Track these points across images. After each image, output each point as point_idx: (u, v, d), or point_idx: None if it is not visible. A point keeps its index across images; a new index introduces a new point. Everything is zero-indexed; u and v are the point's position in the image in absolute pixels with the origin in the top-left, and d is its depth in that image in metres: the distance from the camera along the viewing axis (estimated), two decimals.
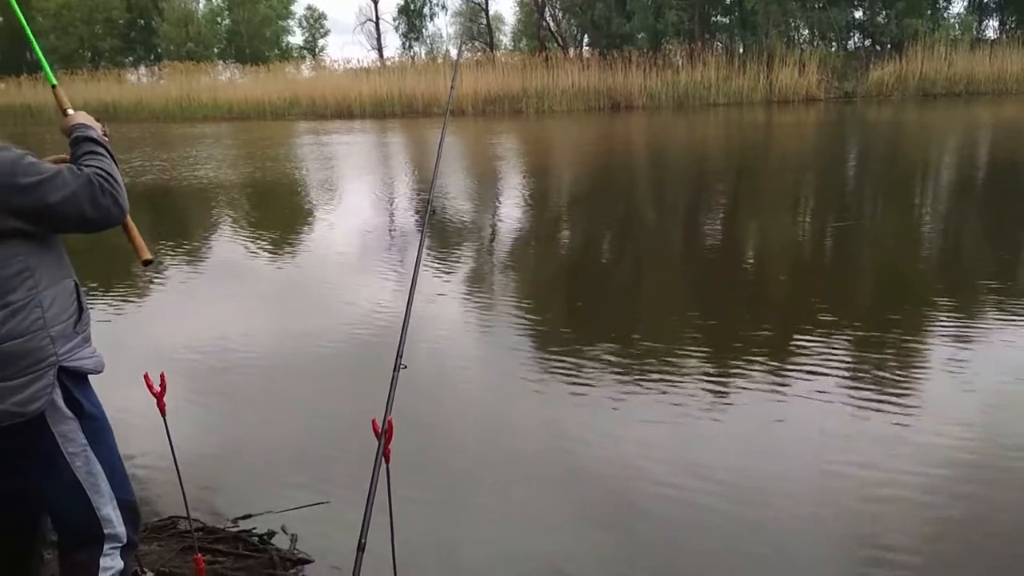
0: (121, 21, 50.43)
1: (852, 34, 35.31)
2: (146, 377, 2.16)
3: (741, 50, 33.93)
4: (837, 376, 4.89)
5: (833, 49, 33.62)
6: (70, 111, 2.35)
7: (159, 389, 2.12)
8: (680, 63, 31.98)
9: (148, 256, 2.39)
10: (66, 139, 2.29)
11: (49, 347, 2.08)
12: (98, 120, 2.33)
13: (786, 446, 4.09)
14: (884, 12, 33.72)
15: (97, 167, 2.13)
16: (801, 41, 34.44)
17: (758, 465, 3.87)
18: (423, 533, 3.34)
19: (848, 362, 5.12)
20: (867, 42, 35.06)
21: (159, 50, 50.34)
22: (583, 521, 3.52)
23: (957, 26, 33.78)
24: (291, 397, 5.05)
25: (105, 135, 2.31)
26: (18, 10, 2.51)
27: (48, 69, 2.46)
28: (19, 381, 2.04)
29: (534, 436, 4.36)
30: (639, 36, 35.58)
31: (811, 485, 3.69)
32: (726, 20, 37.87)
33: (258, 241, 9.96)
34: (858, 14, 34.89)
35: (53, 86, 2.45)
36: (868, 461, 3.84)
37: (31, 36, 2.59)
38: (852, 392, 4.66)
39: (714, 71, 30.99)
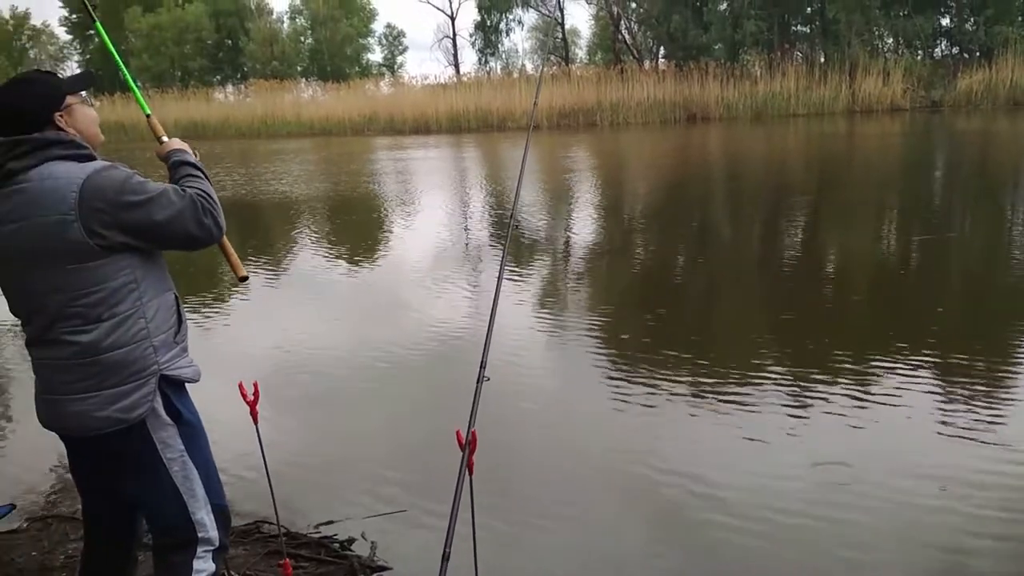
0: (210, 41, 52.32)
1: (939, 42, 34.29)
2: (240, 386, 2.24)
3: (822, 59, 33.25)
4: (921, 400, 4.73)
5: (919, 57, 32.69)
6: (165, 138, 2.47)
7: (252, 398, 2.19)
8: (758, 73, 31.52)
9: (244, 273, 2.49)
10: (163, 164, 2.40)
11: (152, 356, 2.17)
12: (191, 145, 2.44)
13: (862, 475, 3.96)
14: (972, 19, 32.59)
15: (199, 188, 2.24)
16: (885, 50, 33.59)
17: (833, 496, 3.76)
18: (503, 547, 3.36)
19: (933, 385, 4.95)
20: (954, 50, 33.95)
21: (245, 69, 52.05)
22: (658, 539, 3.49)
23: None
24: (372, 407, 5.15)
25: (199, 159, 2.42)
26: (115, 53, 2.64)
27: (142, 100, 2.59)
28: (123, 388, 2.13)
29: (611, 451, 4.34)
30: (716, 47, 35.21)
31: (887, 516, 3.57)
32: (806, 29, 37.18)
33: (344, 255, 10.18)
34: (945, 21, 33.87)
35: (147, 115, 2.56)
36: (950, 492, 3.71)
37: (126, 73, 2.73)
38: (936, 417, 4.51)
39: (794, 81, 30.42)
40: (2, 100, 2.15)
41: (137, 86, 2.71)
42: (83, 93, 2.28)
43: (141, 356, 2.15)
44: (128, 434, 2.16)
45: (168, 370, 2.21)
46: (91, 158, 2.15)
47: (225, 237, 2.34)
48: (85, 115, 2.24)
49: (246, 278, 2.49)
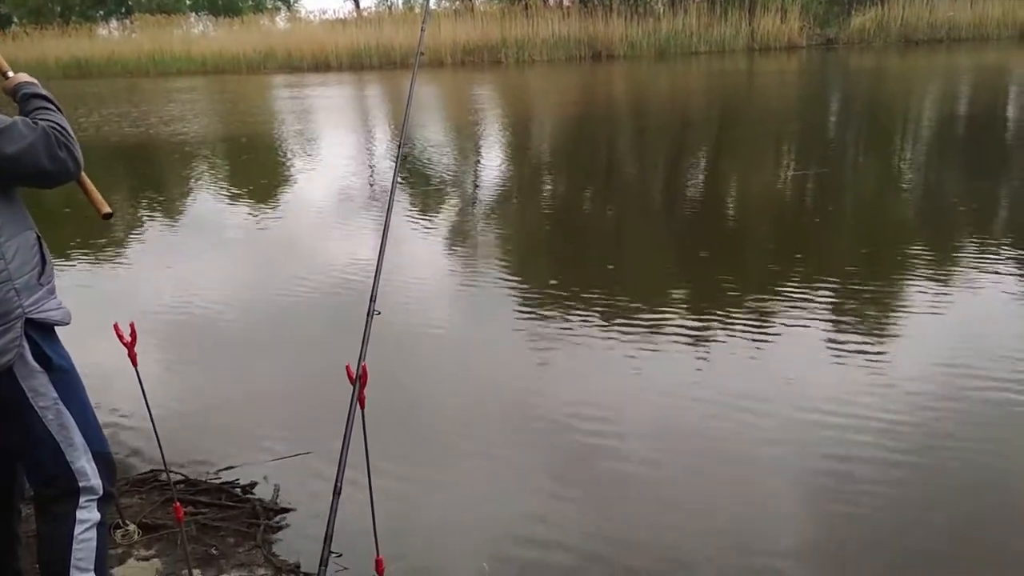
0: None
1: None
2: (116, 327, 2.13)
3: None
4: (815, 323, 4.92)
5: None
6: (10, 73, 2.33)
7: (129, 339, 2.09)
8: (661, 11, 31.61)
9: (108, 209, 2.36)
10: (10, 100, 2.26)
11: (14, 299, 2.05)
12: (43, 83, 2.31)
13: (763, 393, 4.12)
14: None
15: (52, 120, 2.11)
16: None
17: (733, 414, 3.90)
18: (400, 479, 3.36)
19: (826, 309, 5.16)
20: None
21: (130, 3, 49.18)
22: (556, 473, 3.54)
23: None
24: (268, 348, 5.04)
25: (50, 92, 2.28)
26: None
27: None
28: None
29: (505, 384, 4.39)
30: None
31: (786, 433, 3.73)
32: None
33: (231, 195, 9.87)
34: None
35: None
36: (840, 404, 3.88)
37: None
38: (829, 337, 4.70)
39: (695, 19, 30.65)
40: None
41: None
42: None
43: (3, 300, 2.03)
44: None
45: (34, 313, 2.09)
46: None
47: (84, 174, 2.21)
48: None
49: (111, 215, 2.36)
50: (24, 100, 2.21)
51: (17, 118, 2.06)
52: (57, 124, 2.10)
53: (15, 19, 47.42)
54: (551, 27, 31.17)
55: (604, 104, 18.27)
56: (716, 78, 23.10)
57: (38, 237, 2.19)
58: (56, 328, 2.20)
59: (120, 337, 2.10)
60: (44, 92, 2.24)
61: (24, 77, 2.29)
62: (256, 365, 4.81)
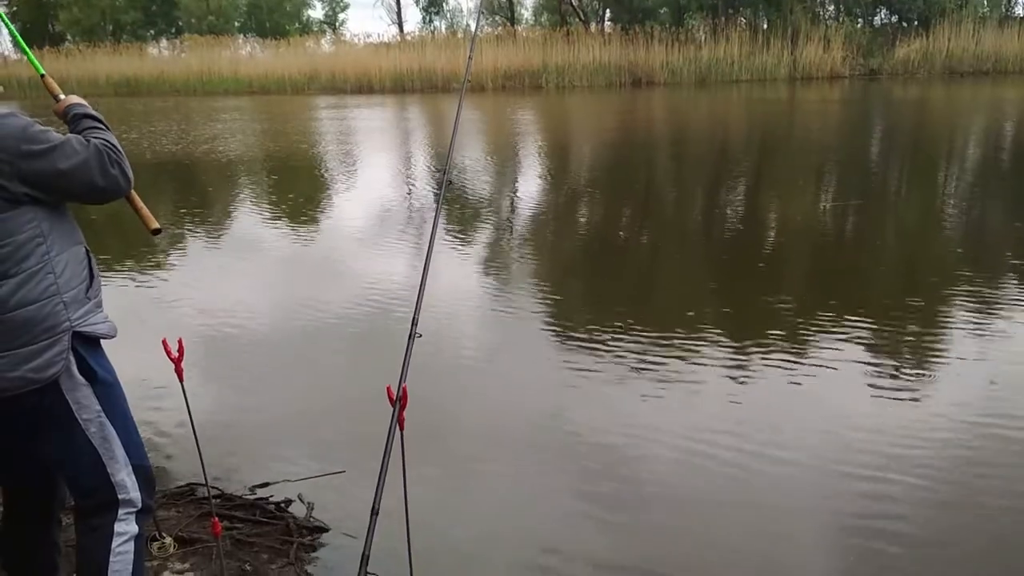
0: None
1: (879, 10, 34.76)
2: (164, 343, 2.16)
3: (765, 26, 33.50)
4: (855, 358, 4.85)
5: (859, 25, 33.12)
6: (61, 96, 2.37)
7: (176, 355, 2.12)
8: (703, 39, 31.66)
9: (156, 225, 2.39)
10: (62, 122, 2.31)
11: (62, 312, 2.08)
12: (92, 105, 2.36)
13: (796, 427, 4.06)
14: None
15: (103, 138, 2.15)
16: (827, 17, 33.95)
17: (766, 448, 3.85)
18: (436, 501, 3.35)
19: (863, 345, 5.07)
20: (894, 18, 34.49)
21: (180, 23, 50.31)
22: (587, 494, 3.52)
23: (985, 3, 33.16)
24: (308, 366, 5.08)
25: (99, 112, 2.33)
26: (7, 21, 2.54)
27: (34, 60, 2.48)
28: (34, 347, 2.04)
29: (544, 408, 4.36)
30: (662, 11, 35.19)
31: (818, 469, 3.67)
32: None
33: (277, 214, 9.99)
34: None
35: (42, 75, 2.45)
36: (875, 442, 3.81)
37: (14, 31, 2.63)
38: (867, 374, 4.62)
39: (737, 47, 30.64)
40: None
41: (30, 47, 2.59)
42: None
43: (51, 313, 2.06)
44: (41, 395, 2.08)
45: (81, 326, 2.12)
46: None
47: (133, 191, 2.25)
48: None
49: (159, 230, 2.39)
50: (74, 120, 2.25)
51: (71, 136, 2.11)
52: (108, 142, 2.14)
53: (69, 37, 48.76)
54: (592, 53, 31.35)
55: (643, 130, 18.27)
56: (757, 106, 23.02)
57: (87, 251, 2.22)
58: (101, 341, 2.23)
59: (168, 352, 2.12)
60: (93, 112, 2.29)
61: (74, 99, 2.33)
62: (292, 382, 4.85)
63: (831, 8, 34.74)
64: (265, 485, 3.59)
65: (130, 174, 2.17)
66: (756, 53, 30.52)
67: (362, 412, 4.24)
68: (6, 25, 2.56)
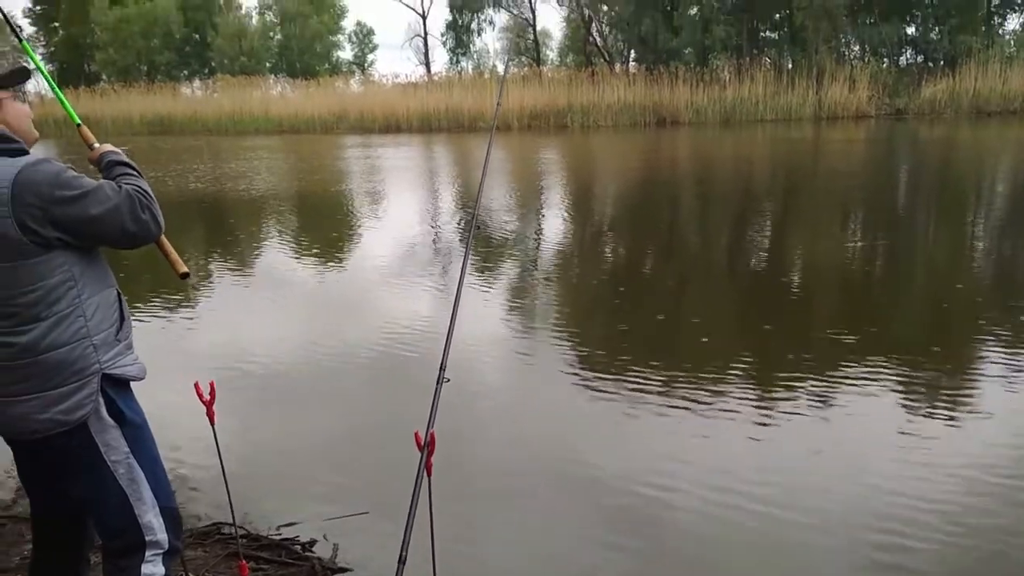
0: (178, 36, 51.65)
1: (904, 50, 34.81)
2: (196, 386, 2.19)
3: (790, 66, 33.64)
4: (880, 403, 4.79)
5: (885, 65, 33.16)
6: (96, 144, 2.43)
7: (208, 398, 2.15)
8: (727, 79, 31.81)
9: (184, 269, 2.42)
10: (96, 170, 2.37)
11: (92, 355, 2.11)
12: (126, 151, 2.43)
13: (824, 467, 4.01)
14: (937, 28, 33.22)
15: (135, 184, 2.20)
16: (852, 57, 34.03)
17: (793, 486, 3.81)
18: (461, 547, 3.33)
19: (894, 386, 5.02)
20: (919, 58, 34.51)
21: (212, 64, 51.44)
22: (615, 535, 3.50)
23: (1012, 43, 33.11)
24: (331, 406, 5.10)
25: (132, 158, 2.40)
26: (38, 62, 2.63)
27: (71, 110, 2.54)
28: (64, 390, 2.08)
29: (568, 451, 4.34)
30: (686, 51, 35.46)
31: (845, 507, 3.62)
32: (775, 36, 37.61)
33: (303, 253, 10.10)
34: (910, 30, 34.41)
35: (78, 125, 2.52)
36: (902, 486, 3.76)
37: (52, 83, 2.71)
38: (893, 420, 4.57)
39: (762, 87, 30.75)
40: None
41: (62, 95, 2.67)
42: (19, 88, 2.22)
43: (81, 355, 2.10)
44: (70, 437, 2.11)
45: (110, 369, 2.15)
46: (22, 153, 2.09)
47: (163, 235, 2.29)
48: (17, 111, 2.18)
49: (187, 275, 2.42)
50: (108, 167, 2.31)
51: (103, 182, 2.16)
52: (140, 188, 2.18)
53: (104, 77, 49.97)
54: (616, 93, 31.61)
55: (668, 169, 18.33)
56: (782, 145, 23.02)
57: (118, 294, 2.26)
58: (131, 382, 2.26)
59: (200, 396, 2.15)
60: (127, 160, 2.34)
61: (108, 147, 2.39)
62: (315, 422, 4.86)
63: (856, 48, 34.83)
64: (290, 525, 3.60)
65: (161, 220, 2.21)
66: (781, 93, 30.60)
67: (385, 453, 4.26)
68: (46, 79, 2.64)
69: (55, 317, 2.06)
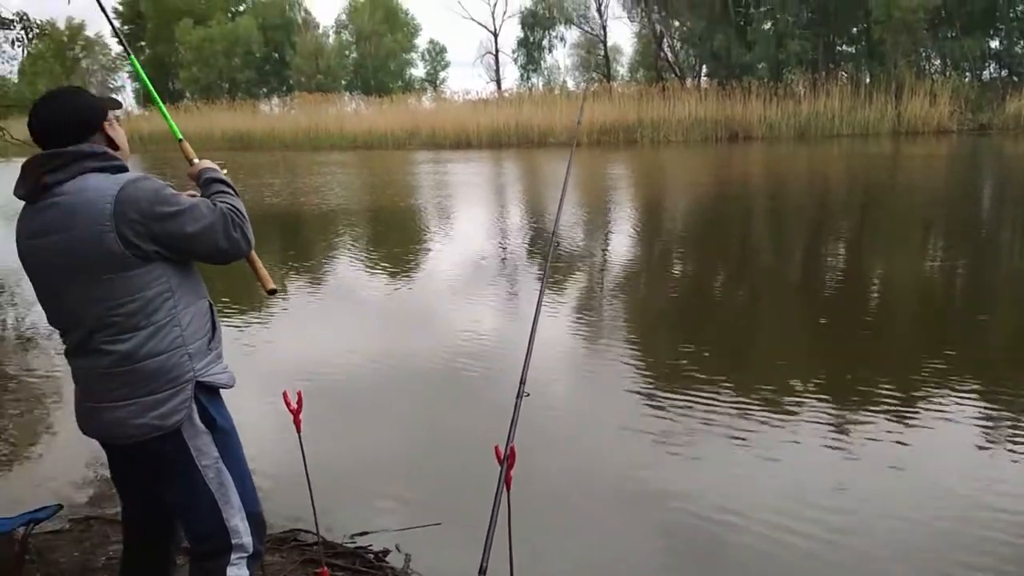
0: (258, 54, 53.21)
1: (987, 64, 33.71)
2: (284, 395, 2.26)
3: (867, 80, 32.89)
4: (963, 424, 4.64)
5: (967, 80, 32.15)
6: (195, 160, 2.52)
7: (296, 406, 2.22)
8: (802, 93, 31.24)
9: (272, 286, 2.50)
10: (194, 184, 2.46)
11: (187, 364, 2.20)
12: (221, 165, 2.50)
13: (900, 494, 3.91)
14: (1022, 42, 32.04)
15: (229, 203, 2.28)
16: (932, 71, 33.10)
17: (866, 512, 3.72)
18: (538, 561, 3.35)
19: (975, 411, 4.85)
20: (1003, 72, 33.37)
21: (291, 82, 52.81)
22: (676, 557, 3.50)
23: None
24: (404, 417, 5.18)
25: (227, 175, 2.48)
26: (150, 86, 2.83)
27: (175, 127, 2.65)
28: (159, 396, 2.16)
29: (636, 471, 4.32)
30: (759, 66, 34.99)
31: (922, 537, 3.53)
32: (852, 50, 36.83)
33: (377, 266, 10.28)
34: (994, 44, 33.31)
35: (179, 140, 2.62)
36: (983, 512, 3.64)
37: (158, 101, 2.87)
38: (975, 448, 4.42)
39: (838, 101, 30.09)
40: (60, 107, 2.20)
41: (167, 114, 2.80)
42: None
43: (177, 364, 2.18)
44: (164, 441, 2.19)
45: (203, 377, 2.23)
46: (124, 169, 2.20)
47: (254, 251, 2.37)
48: (119, 130, 2.30)
49: (275, 291, 2.51)
50: (205, 184, 2.39)
51: (199, 200, 2.25)
52: (234, 207, 2.27)
53: (187, 94, 51.78)
54: (687, 108, 31.31)
55: (740, 184, 18.09)
56: (859, 160, 22.51)
57: (210, 305, 2.35)
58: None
59: (288, 404, 2.22)
60: (223, 177, 2.42)
61: (207, 164, 2.48)
62: (388, 432, 4.95)
63: (937, 62, 33.88)
64: (363, 534, 3.66)
65: (251, 237, 2.29)
66: (858, 107, 29.90)
67: (456, 465, 4.31)
68: (153, 98, 2.77)
69: (153, 327, 2.15)
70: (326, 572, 2.36)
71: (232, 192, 2.36)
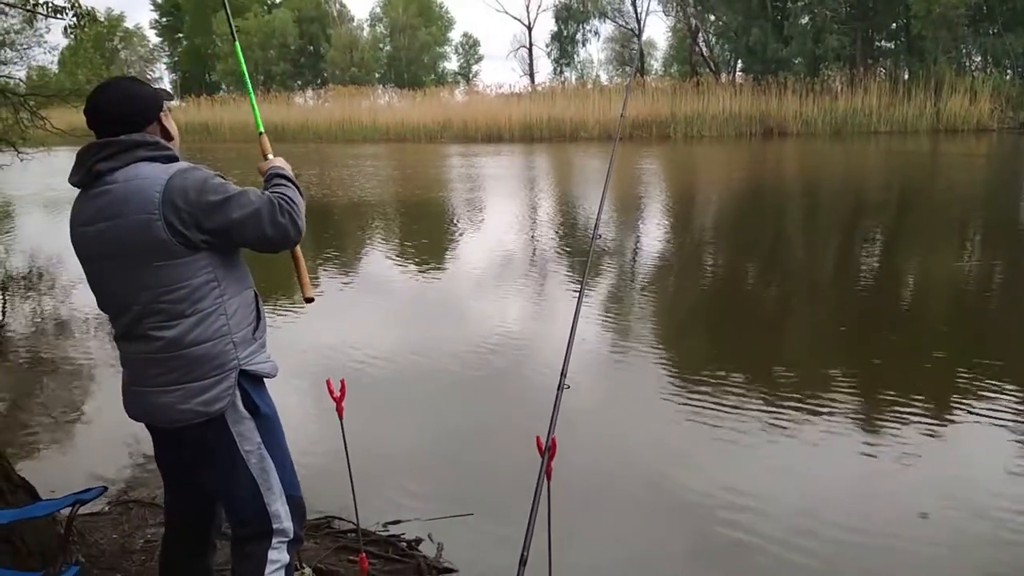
0: (293, 47, 53.60)
1: None
2: (328, 383, 2.29)
3: (906, 76, 32.41)
4: (1000, 434, 4.58)
5: (1008, 77, 31.57)
6: (270, 156, 2.53)
7: (339, 394, 2.25)
8: (839, 89, 30.87)
9: (311, 295, 2.54)
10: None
11: (232, 351, 2.24)
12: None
13: (932, 503, 3.87)
14: None
15: (283, 192, 2.30)
16: (973, 68, 32.54)
17: (896, 521, 3.69)
18: (573, 553, 3.37)
19: (1011, 421, 4.78)
20: None
21: (325, 74, 53.16)
22: (704, 559, 3.48)
23: None
24: (439, 408, 5.22)
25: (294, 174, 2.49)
26: (247, 78, 2.82)
27: (259, 119, 2.68)
28: (204, 382, 2.20)
29: (670, 466, 4.33)
30: (796, 61, 34.60)
31: (952, 547, 3.49)
32: (891, 45, 36.35)
33: (417, 259, 10.32)
34: None
35: (260, 133, 2.65)
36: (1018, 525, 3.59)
37: (251, 93, 2.85)
38: (1012, 452, 4.36)
39: (876, 98, 29.73)
40: (120, 96, 2.23)
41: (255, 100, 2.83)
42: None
43: (222, 351, 2.21)
44: (208, 427, 2.23)
45: (247, 365, 2.26)
46: (174, 159, 2.23)
47: (302, 255, 2.39)
48: (171, 120, 2.33)
49: (311, 300, 2.53)
50: (268, 179, 2.40)
51: (249, 188, 2.26)
52: (284, 195, 2.27)
53: (223, 86, 52.32)
54: (722, 103, 31.10)
55: (775, 180, 17.93)
56: (896, 158, 22.20)
57: (255, 295, 2.38)
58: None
59: (331, 392, 2.25)
60: (287, 173, 2.41)
61: (279, 162, 2.47)
62: (422, 423, 4.99)
63: (978, 59, 33.29)
64: (396, 523, 3.70)
65: (302, 225, 2.28)
66: (896, 104, 29.52)
67: (490, 457, 4.33)
68: (246, 87, 2.77)
69: (199, 314, 2.18)
70: (364, 558, 2.38)
71: (292, 185, 2.36)
